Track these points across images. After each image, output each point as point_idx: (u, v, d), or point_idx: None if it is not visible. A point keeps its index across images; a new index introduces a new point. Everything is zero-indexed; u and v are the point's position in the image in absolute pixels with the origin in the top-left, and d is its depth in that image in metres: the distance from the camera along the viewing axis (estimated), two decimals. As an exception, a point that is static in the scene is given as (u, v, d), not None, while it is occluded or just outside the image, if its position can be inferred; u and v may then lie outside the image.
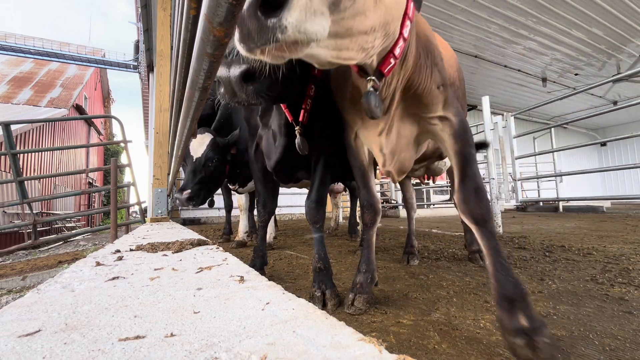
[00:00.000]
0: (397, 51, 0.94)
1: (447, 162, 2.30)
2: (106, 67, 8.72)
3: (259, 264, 1.82)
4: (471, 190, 1.08)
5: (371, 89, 0.97)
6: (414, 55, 1.08)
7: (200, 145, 2.58)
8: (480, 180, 1.12)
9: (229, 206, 3.96)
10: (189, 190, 2.46)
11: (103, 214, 18.22)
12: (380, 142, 1.26)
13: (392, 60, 0.96)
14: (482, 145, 2.51)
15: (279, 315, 0.63)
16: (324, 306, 1.32)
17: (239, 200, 3.42)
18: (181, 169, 2.99)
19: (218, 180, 2.72)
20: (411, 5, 0.93)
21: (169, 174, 4.30)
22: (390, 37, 0.86)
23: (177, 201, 2.53)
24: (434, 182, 3.10)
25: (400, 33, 0.91)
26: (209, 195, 2.70)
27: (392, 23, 0.81)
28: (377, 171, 3.31)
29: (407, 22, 0.92)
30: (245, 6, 0.63)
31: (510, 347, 0.85)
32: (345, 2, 0.61)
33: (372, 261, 1.41)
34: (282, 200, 8.30)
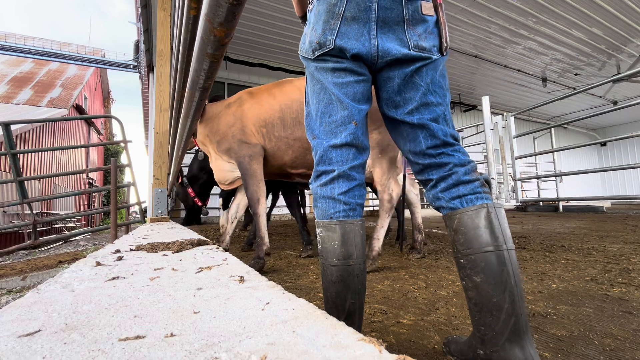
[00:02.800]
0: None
1: None
2: (106, 67, 8.71)
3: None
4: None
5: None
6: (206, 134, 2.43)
7: None
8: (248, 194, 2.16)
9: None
10: None
11: (103, 214, 18.23)
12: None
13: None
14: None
15: (279, 315, 0.63)
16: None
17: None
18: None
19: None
20: None
21: (169, 174, 4.30)
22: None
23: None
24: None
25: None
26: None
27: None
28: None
29: None
30: None
31: None
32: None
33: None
34: (282, 200, 8.31)
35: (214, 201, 7.21)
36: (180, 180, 3.70)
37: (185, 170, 3.99)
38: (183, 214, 7.04)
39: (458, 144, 0.86)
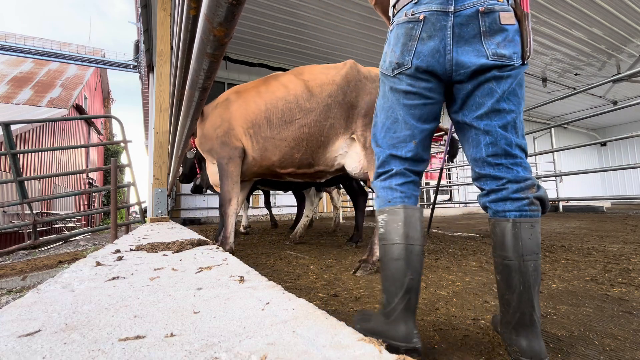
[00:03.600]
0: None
1: None
2: (106, 67, 8.70)
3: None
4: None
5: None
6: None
7: None
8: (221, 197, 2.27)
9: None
10: None
11: (103, 214, 18.23)
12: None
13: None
14: None
15: (279, 315, 0.63)
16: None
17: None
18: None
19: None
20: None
21: (169, 174, 4.30)
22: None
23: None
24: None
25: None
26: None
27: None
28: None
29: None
30: None
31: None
32: None
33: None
34: (282, 200, 8.28)
35: (214, 201, 7.21)
36: (190, 148, 4.01)
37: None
38: (183, 213, 7.06)
39: (521, 157, 0.88)
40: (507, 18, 0.86)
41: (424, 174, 1.02)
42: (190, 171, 4.24)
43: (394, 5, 1.00)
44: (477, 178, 0.94)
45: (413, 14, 0.91)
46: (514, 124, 0.87)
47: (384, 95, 1.00)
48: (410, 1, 0.93)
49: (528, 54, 0.87)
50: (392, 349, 0.82)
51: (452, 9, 0.87)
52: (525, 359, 0.79)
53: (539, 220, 0.86)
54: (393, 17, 1.01)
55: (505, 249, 0.85)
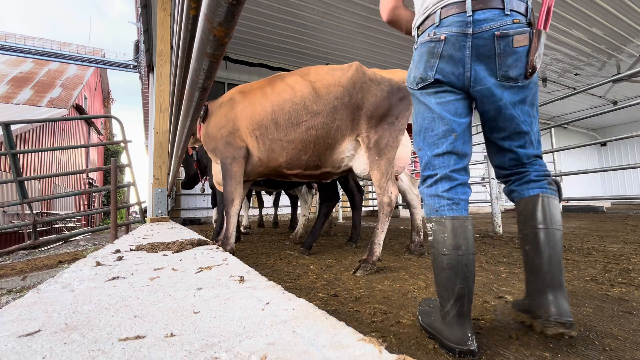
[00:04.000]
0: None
1: None
2: (106, 67, 8.70)
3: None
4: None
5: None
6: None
7: None
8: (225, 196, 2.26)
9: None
10: None
11: (103, 214, 18.22)
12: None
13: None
14: None
15: (279, 315, 0.63)
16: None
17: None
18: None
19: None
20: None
21: (169, 174, 4.30)
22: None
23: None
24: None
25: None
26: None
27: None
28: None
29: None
30: None
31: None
32: None
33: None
34: (282, 200, 8.28)
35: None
36: (190, 153, 4.21)
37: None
38: (183, 213, 7.06)
39: (537, 161, 1.06)
40: (520, 41, 0.95)
41: (468, 170, 1.06)
42: (193, 178, 4.39)
43: (418, 27, 1.11)
44: (501, 177, 1.12)
45: (435, 35, 1.01)
46: (531, 140, 1.04)
47: (417, 102, 1.10)
48: (433, 24, 1.03)
49: (529, 70, 0.96)
50: (447, 348, 0.89)
51: (470, 31, 0.97)
52: (554, 317, 0.89)
53: (557, 199, 1.01)
54: (417, 37, 1.11)
55: (535, 219, 0.98)
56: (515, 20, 0.95)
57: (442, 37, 0.99)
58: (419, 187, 1.11)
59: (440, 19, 1.01)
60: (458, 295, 0.90)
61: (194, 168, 4.26)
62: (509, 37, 0.95)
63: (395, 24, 1.28)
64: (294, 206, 4.77)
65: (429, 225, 1.01)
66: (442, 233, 0.95)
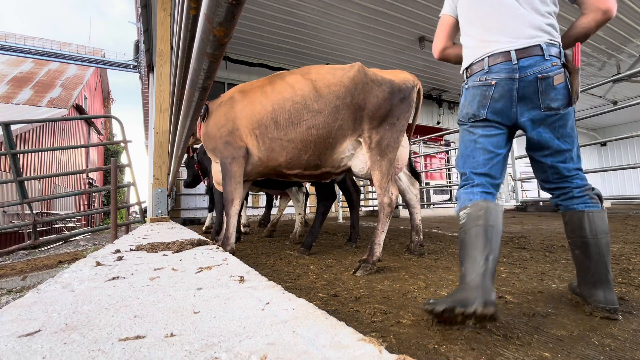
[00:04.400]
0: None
1: None
2: (106, 67, 8.70)
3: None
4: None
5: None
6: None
7: None
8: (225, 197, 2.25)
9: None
10: None
11: (103, 214, 18.22)
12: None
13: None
14: None
15: (279, 315, 0.63)
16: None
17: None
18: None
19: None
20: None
21: (169, 174, 4.30)
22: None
23: None
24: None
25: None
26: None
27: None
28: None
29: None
30: None
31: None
32: None
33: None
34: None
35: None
36: (191, 155, 4.32)
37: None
38: (183, 213, 7.06)
39: (577, 174, 1.22)
40: (559, 79, 1.15)
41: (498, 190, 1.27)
42: (194, 179, 4.49)
43: (467, 69, 1.32)
44: (545, 189, 1.30)
45: (486, 80, 1.21)
46: (571, 157, 1.21)
47: (463, 131, 1.32)
48: (482, 69, 1.23)
49: (575, 100, 1.18)
50: (479, 304, 0.96)
51: (517, 76, 1.16)
52: (603, 305, 1.10)
53: (602, 209, 1.18)
54: (467, 78, 1.32)
55: (584, 231, 1.16)
56: (553, 64, 1.15)
57: (493, 82, 1.19)
58: (457, 192, 1.31)
59: (489, 66, 1.21)
60: (486, 257, 1.07)
61: (196, 169, 4.31)
62: (550, 78, 1.15)
63: (445, 60, 1.51)
64: (269, 205, 4.92)
65: (461, 214, 1.18)
66: (478, 212, 1.13)
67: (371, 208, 8.38)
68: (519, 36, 1.19)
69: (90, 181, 17.71)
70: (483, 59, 1.24)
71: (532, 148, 1.26)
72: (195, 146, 4.10)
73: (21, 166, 6.57)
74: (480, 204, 1.14)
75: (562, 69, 1.16)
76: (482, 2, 1.28)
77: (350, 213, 2.92)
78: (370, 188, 7.74)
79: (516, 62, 1.17)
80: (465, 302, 0.96)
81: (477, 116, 1.24)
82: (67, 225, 12.84)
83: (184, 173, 4.57)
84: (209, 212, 4.98)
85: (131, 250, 1.58)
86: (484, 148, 1.23)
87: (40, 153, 11.28)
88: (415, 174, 2.61)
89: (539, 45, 1.17)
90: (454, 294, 1.03)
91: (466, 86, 1.31)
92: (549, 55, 1.16)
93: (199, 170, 4.23)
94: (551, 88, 1.15)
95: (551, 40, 1.18)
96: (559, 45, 1.19)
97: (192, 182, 4.61)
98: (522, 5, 1.22)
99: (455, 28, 1.45)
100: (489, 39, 1.24)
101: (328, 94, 2.03)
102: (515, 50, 1.18)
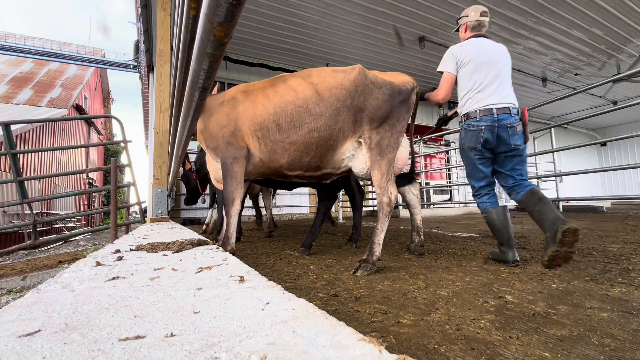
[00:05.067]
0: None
1: None
2: (106, 67, 8.70)
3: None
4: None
5: None
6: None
7: None
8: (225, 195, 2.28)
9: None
10: None
11: (103, 214, 18.22)
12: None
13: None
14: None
15: (279, 315, 0.63)
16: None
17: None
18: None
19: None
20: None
21: (169, 174, 4.30)
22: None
23: None
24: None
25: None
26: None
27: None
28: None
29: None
30: None
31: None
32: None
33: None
34: (282, 200, 8.27)
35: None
36: (188, 167, 4.36)
37: (192, 157, 4.46)
38: (183, 213, 7.06)
39: (525, 180, 2.06)
40: (519, 127, 2.01)
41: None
42: (194, 192, 4.53)
43: (465, 114, 2.13)
44: (504, 189, 2.12)
45: (478, 125, 2.04)
46: (522, 173, 2.06)
47: (466, 156, 2.18)
48: (475, 118, 2.05)
49: (527, 140, 2.05)
50: (505, 262, 1.97)
51: (497, 124, 2.00)
52: (561, 224, 1.68)
53: (539, 199, 1.90)
54: (464, 120, 2.14)
55: (536, 197, 1.91)
56: (516, 119, 2.01)
57: (482, 127, 2.02)
58: (473, 196, 2.21)
59: (480, 117, 2.03)
60: (509, 233, 2.02)
61: (194, 180, 4.30)
62: (514, 127, 2.00)
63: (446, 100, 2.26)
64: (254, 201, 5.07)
65: (484, 214, 2.14)
66: (493, 215, 2.07)
67: (371, 208, 8.38)
68: (499, 100, 2.01)
69: (90, 181, 17.71)
70: (476, 111, 2.05)
71: (501, 166, 2.09)
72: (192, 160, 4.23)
73: (21, 166, 6.57)
74: (492, 211, 2.09)
75: (520, 122, 2.01)
76: (482, 74, 2.06)
77: (353, 214, 2.93)
78: (370, 188, 7.74)
79: (496, 116, 1.99)
80: (507, 258, 1.97)
81: (474, 148, 2.08)
82: (67, 225, 12.84)
83: (184, 188, 4.61)
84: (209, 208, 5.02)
85: (131, 250, 1.58)
86: (479, 169, 2.13)
87: (40, 153, 11.27)
88: (410, 174, 2.60)
89: (508, 106, 2.00)
90: (494, 251, 2.07)
91: (465, 127, 2.12)
92: (513, 114, 2.00)
93: (197, 181, 4.21)
94: (515, 133, 1.99)
95: (514, 104, 2.03)
96: (517, 107, 2.05)
97: (191, 198, 4.55)
98: (503, 81, 2.06)
99: (455, 82, 2.18)
100: (481, 98, 2.04)
101: (329, 97, 2.04)
102: (496, 108, 2.00)
